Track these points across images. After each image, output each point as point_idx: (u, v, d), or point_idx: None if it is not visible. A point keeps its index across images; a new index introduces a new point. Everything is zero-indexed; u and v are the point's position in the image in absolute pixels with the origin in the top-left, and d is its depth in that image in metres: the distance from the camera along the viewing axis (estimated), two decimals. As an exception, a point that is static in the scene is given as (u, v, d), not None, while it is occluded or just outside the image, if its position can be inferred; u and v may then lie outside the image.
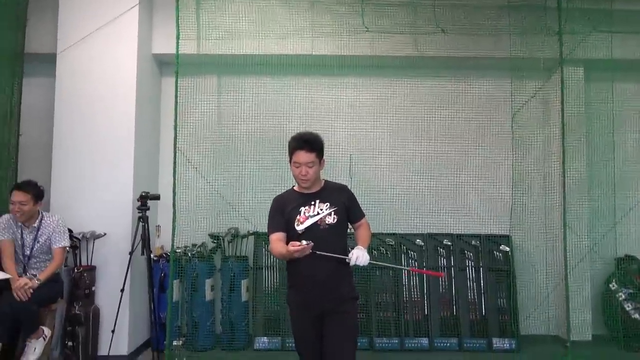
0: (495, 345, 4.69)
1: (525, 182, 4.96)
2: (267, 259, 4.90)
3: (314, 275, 2.58)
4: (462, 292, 4.87)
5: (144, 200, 4.23)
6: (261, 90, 4.99)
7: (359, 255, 2.53)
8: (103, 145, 4.45)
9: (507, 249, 4.90)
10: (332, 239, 2.61)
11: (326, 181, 2.81)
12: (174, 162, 4.50)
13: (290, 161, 2.70)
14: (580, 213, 4.85)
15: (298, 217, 2.64)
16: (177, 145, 4.51)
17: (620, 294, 4.77)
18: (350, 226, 2.83)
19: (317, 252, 2.48)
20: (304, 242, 2.43)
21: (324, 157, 2.74)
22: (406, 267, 3.15)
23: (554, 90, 4.88)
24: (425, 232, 4.98)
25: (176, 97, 4.53)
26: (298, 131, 2.78)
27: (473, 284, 4.91)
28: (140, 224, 4.19)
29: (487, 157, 5.08)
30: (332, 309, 2.60)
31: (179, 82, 4.53)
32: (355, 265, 2.56)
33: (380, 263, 2.75)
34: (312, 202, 2.67)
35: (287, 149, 2.71)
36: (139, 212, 4.22)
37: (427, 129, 5.08)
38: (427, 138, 5.07)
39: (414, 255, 4.96)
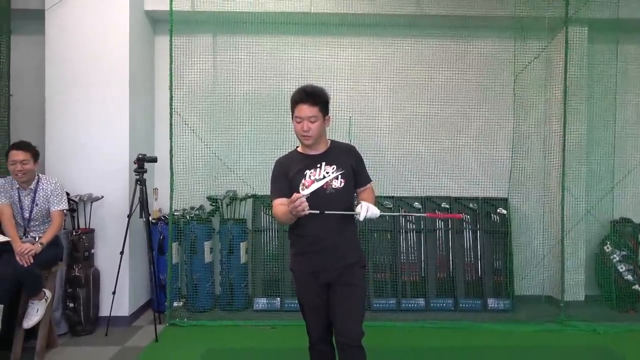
0: (490, 305, 4.80)
1: (525, 145, 4.95)
2: (266, 222, 4.90)
3: (319, 240, 2.45)
4: (459, 254, 4.92)
5: (141, 163, 4.18)
6: (258, 49, 4.86)
7: (368, 207, 2.37)
8: (97, 106, 4.34)
9: (505, 212, 4.93)
10: (339, 203, 2.46)
11: (332, 141, 2.60)
12: (170, 124, 4.45)
13: (292, 117, 2.48)
14: (578, 176, 4.86)
15: (303, 181, 2.45)
16: (172, 107, 4.45)
17: (614, 255, 4.84)
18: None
19: (326, 212, 2.37)
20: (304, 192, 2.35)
21: (330, 114, 2.53)
22: (423, 214, 3.03)
23: (558, 51, 4.80)
24: (424, 195, 4.99)
25: (171, 56, 4.43)
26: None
27: (470, 246, 4.95)
28: (138, 186, 4.15)
29: (488, 120, 5.02)
30: (339, 278, 2.48)
31: (173, 40, 4.41)
32: (367, 219, 2.38)
33: (392, 213, 2.59)
34: (318, 165, 2.47)
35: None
36: (136, 175, 4.17)
37: (428, 90, 4.99)
38: (428, 100, 4.98)
39: (411, 218, 4.99)
